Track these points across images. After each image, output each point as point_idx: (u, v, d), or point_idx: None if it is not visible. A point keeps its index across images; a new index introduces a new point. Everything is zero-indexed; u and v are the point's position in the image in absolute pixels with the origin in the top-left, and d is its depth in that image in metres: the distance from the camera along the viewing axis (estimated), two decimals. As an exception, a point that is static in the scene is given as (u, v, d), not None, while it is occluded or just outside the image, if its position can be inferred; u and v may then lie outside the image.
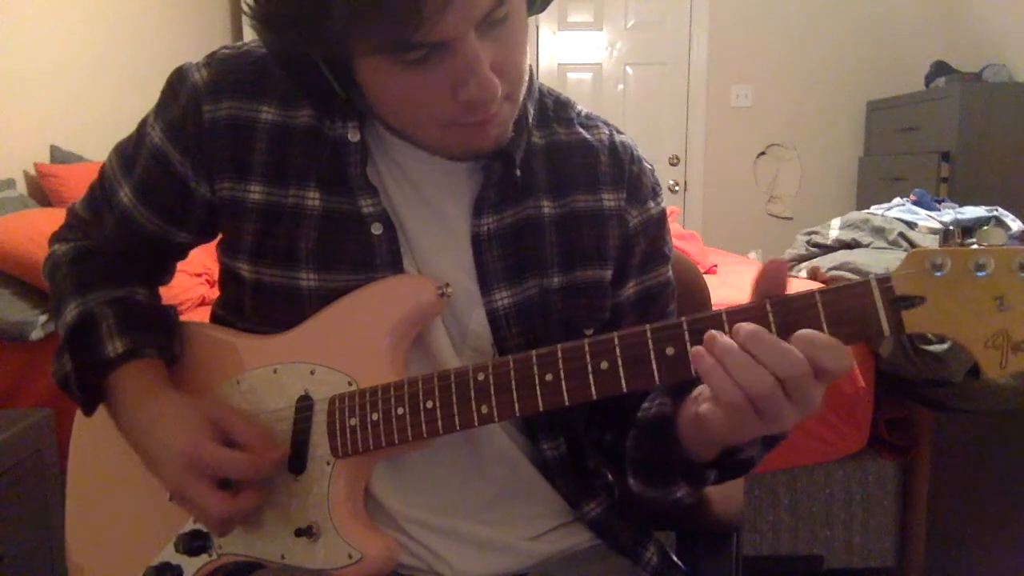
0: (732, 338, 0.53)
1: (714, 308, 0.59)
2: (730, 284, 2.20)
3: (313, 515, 0.68)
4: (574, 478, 0.77)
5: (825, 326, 0.53)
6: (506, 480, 0.75)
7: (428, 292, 0.69)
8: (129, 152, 0.79)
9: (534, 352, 0.61)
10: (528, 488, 0.76)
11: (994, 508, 1.80)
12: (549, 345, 0.61)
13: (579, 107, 0.81)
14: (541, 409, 0.61)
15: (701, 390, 0.59)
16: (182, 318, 0.81)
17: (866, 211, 2.35)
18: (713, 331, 0.54)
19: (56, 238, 0.86)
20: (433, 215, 0.73)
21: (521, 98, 0.68)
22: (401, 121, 0.67)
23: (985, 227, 0.50)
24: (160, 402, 0.70)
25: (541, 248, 0.73)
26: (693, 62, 4.11)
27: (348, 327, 0.70)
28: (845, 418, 1.78)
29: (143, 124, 0.78)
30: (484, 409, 0.62)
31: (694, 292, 1.02)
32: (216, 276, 1.20)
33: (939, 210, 2.23)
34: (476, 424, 0.63)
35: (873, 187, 3.88)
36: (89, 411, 0.75)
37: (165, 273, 0.87)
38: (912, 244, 2.02)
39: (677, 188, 4.21)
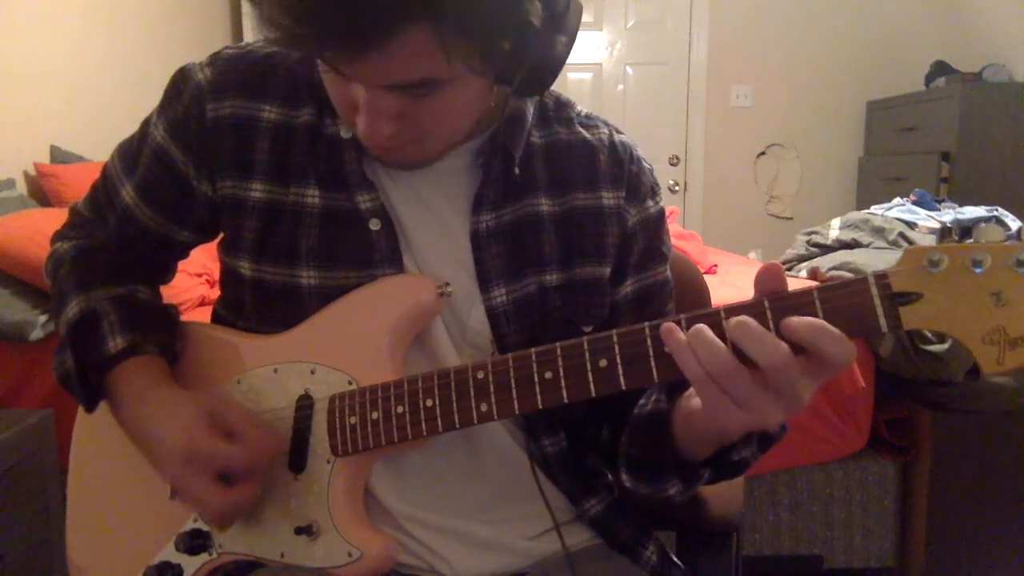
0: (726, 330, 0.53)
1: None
2: (730, 284, 2.20)
3: (313, 514, 0.69)
4: (575, 474, 0.77)
5: None
6: (505, 479, 0.76)
7: (428, 292, 0.69)
8: (131, 151, 0.79)
9: (533, 350, 0.61)
10: (528, 487, 0.76)
11: (994, 508, 1.79)
12: (548, 342, 0.61)
13: (579, 107, 0.81)
14: (540, 407, 0.61)
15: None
16: (182, 318, 0.81)
17: (866, 211, 2.35)
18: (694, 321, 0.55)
19: (58, 237, 0.86)
20: (431, 212, 0.73)
21: (446, 142, 0.68)
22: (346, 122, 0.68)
23: (983, 224, 0.50)
24: (160, 397, 0.71)
25: (540, 245, 0.74)
26: (693, 62, 4.11)
27: (348, 327, 0.71)
28: (845, 418, 1.78)
29: (146, 123, 0.79)
30: (484, 407, 0.63)
31: (694, 292, 1.02)
32: (216, 276, 1.20)
33: (939, 210, 2.23)
34: (476, 422, 0.63)
35: (873, 187, 3.88)
36: (90, 408, 0.75)
37: (166, 272, 0.88)
38: (912, 244, 2.02)
39: (677, 188, 4.20)
